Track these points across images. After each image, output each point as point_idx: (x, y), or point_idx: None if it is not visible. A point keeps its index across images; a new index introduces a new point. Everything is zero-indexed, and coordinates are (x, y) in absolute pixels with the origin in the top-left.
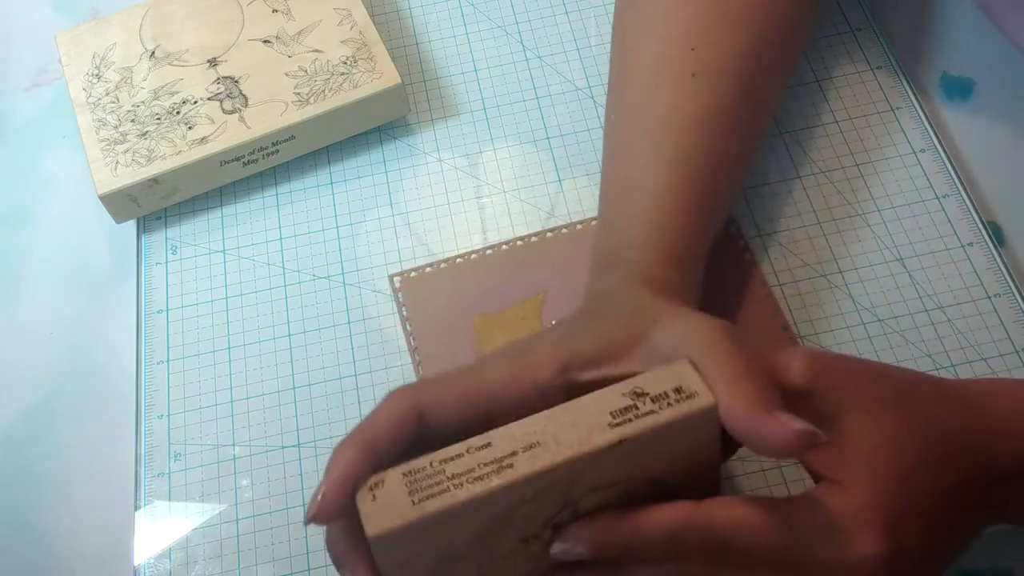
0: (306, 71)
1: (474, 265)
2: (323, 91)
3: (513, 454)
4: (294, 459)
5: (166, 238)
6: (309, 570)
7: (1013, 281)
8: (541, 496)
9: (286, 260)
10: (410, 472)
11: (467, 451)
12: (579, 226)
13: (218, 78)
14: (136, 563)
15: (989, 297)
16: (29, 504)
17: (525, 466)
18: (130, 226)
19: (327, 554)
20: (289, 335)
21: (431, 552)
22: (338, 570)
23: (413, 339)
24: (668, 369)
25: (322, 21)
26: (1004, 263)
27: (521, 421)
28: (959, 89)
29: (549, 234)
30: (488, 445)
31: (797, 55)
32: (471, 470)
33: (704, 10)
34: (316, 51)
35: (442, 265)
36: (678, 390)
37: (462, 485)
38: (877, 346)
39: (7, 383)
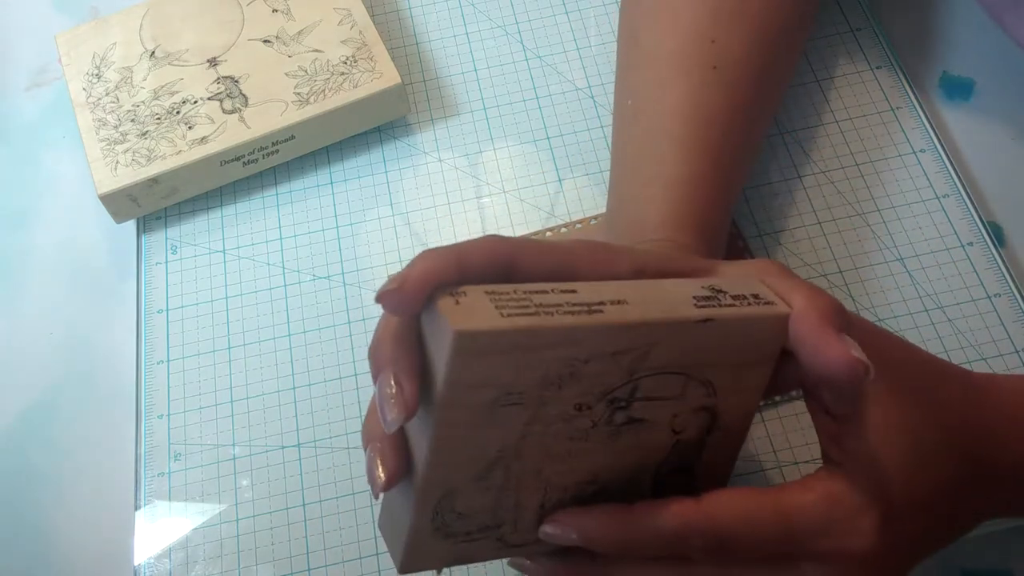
0: (306, 71)
1: None
2: (323, 91)
3: (602, 303)
4: (294, 459)
5: (166, 238)
6: (309, 570)
7: (1013, 281)
8: (616, 356)
9: (286, 260)
10: (494, 292)
11: (552, 290)
12: (579, 225)
13: (218, 78)
14: (136, 563)
15: (989, 297)
16: (29, 504)
17: (617, 315)
18: (130, 226)
19: (364, 454)
20: (289, 335)
21: (497, 381)
22: (378, 375)
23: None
24: (744, 280)
25: (322, 21)
26: (1004, 263)
27: (601, 283)
28: (959, 89)
29: (549, 233)
30: (574, 291)
31: (801, 48)
32: (559, 305)
33: (721, 1)
34: (316, 51)
35: None
36: (756, 296)
37: (552, 314)
38: None
39: (7, 383)
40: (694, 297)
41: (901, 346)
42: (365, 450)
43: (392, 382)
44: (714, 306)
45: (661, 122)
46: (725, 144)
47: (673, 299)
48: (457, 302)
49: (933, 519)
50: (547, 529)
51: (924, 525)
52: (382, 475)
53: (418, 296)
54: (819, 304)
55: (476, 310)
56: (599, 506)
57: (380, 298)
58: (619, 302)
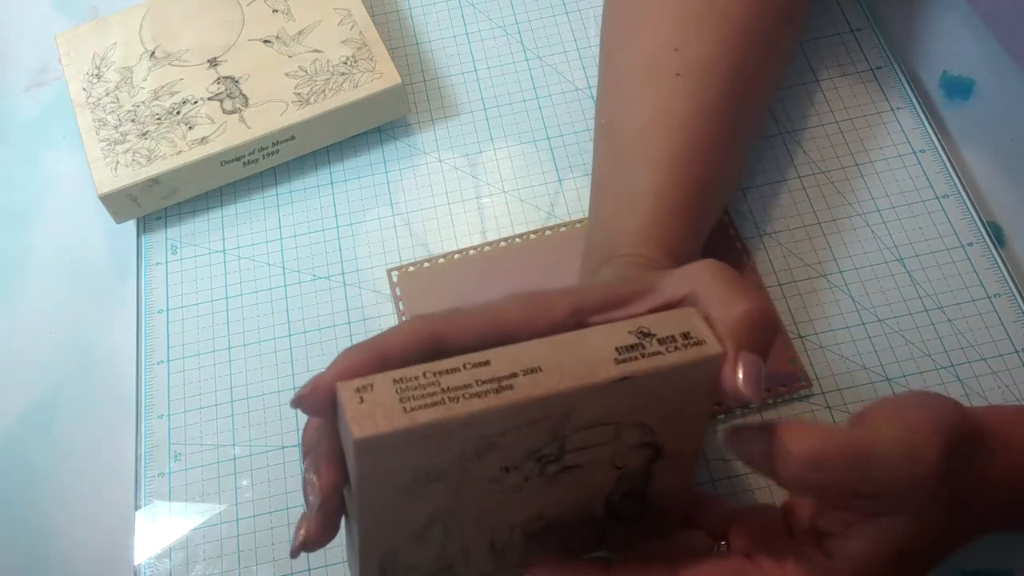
0: (306, 71)
1: (472, 262)
2: (323, 91)
3: (513, 375)
4: (294, 459)
5: (166, 238)
6: (309, 570)
7: (1013, 281)
8: (534, 424)
9: (286, 260)
10: (401, 379)
11: (464, 366)
12: (578, 225)
13: (218, 78)
14: (136, 563)
15: (989, 297)
16: (29, 504)
17: (525, 390)
18: (130, 226)
19: (313, 555)
20: (289, 335)
21: (410, 466)
22: (306, 465)
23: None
24: (676, 314)
25: (322, 21)
26: (1004, 263)
27: (522, 344)
28: (959, 89)
29: (548, 232)
30: (487, 363)
31: (787, 50)
32: (467, 386)
33: (686, 9)
34: (316, 51)
35: (440, 261)
36: (686, 335)
37: (457, 400)
38: (877, 346)
39: (7, 383)
40: (617, 348)
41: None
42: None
43: (311, 470)
44: (636, 358)
45: (628, 137)
46: (692, 152)
47: (592, 357)
48: (361, 399)
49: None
50: None
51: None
52: (300, 538)
53: (329, 399)
54: (740, 334)
55: (379, 408)
56: (581, 565)
57: (296, 403)
58: (532, 370)
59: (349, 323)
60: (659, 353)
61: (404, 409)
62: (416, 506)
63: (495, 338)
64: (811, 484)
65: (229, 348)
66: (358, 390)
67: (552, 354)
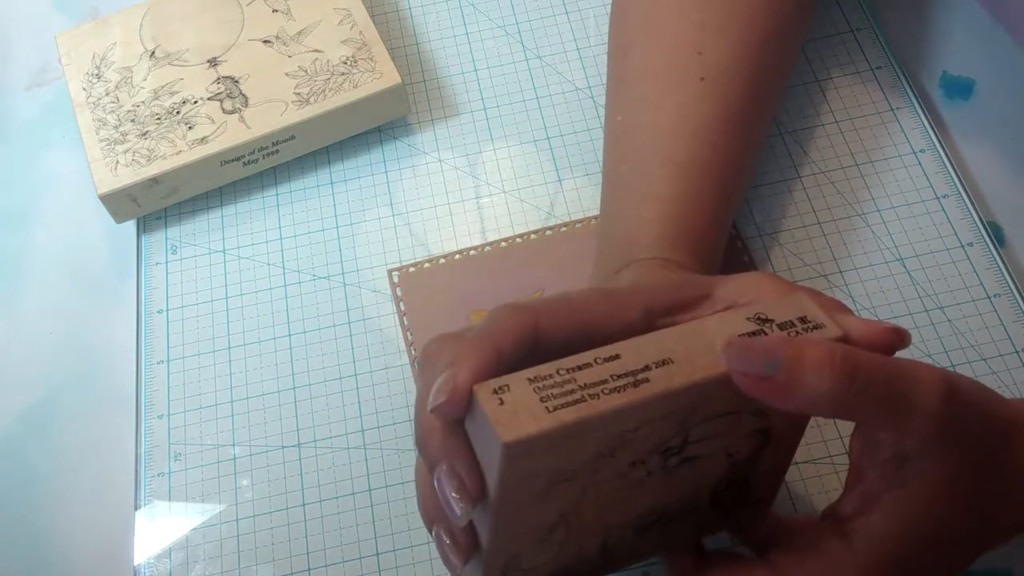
0: (306, 71)
1: (472, 262)
2: (323, 91)
3: (646, 368)
4: (294, 459)
5: (166, 238)
6: (309, 570)
7: (1013, 281)
8: (667, 417)
9: (286, 260)
10: (537, 378)
11: (595, 361)
12: (578, 225)
13: (218, 78)
14: (136, 563)
15: (989, 297)
16: (29, 504)
17: (662, 382)
18: (130, 226)
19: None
20: (289, 335)
21: (550, 467)
22: (431, 466)
23: (410, 334)
24: (787, 300)
25: (322, 21)
26: (1004, 263)
27: (642, 337)
28: (959, 89)
29: (548, 232)
30: (617, 357)
31: (796, 55)
32: (604, 381)
33: (708, 13)
34: (316, 51)
35: (440, 261)
36: (803, 319)
37: (598, 396)
38: None
39: (7, 383)
40: (740, 336)
41: (979, 416)
42: (430, 531)
43: (454, 479)
44: None
45: (651, 139)
46: (716, 157)
47: (716, 347)
48: (501, 401)
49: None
50: None
51: None
52: (458, 559)
53: (466, 402)
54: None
55: (521, 409)
56: None
57: (435, 411)
58: (664, 362)
59: (349, 323)
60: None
61: (547, 409)
62: (546, 508)
63: (585, 331)
64: (824, 388)
65: (229, 348)
66: (495, 391)
67: (678, 345)
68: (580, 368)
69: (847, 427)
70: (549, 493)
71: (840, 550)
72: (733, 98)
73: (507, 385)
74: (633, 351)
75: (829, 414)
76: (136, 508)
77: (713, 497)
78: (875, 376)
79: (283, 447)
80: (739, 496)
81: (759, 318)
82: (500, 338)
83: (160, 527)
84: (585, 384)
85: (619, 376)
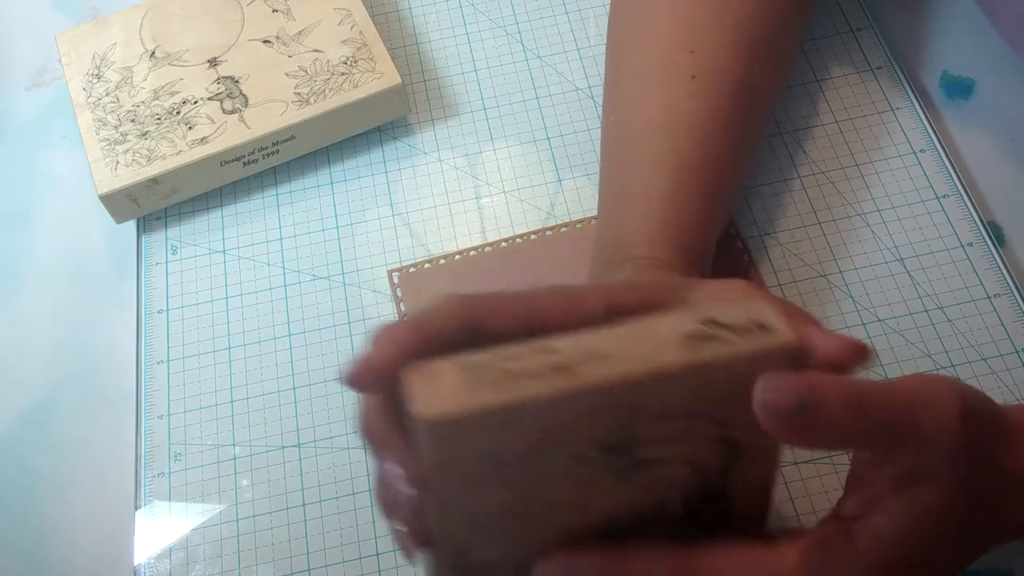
0: (306, 71)
1: (473, 262)
2: (323, 91)
3: (580, 362)
4: (294, 459)
5: (166, 238)
6: (309, 570)
7: (1013, 281)
8: (601, 412)
9: (286, 260)
10: (467, 364)
11: (529, 352)
12: (578, 225)
13: (218, 78)
14: (136, 563)
15: (989, 297)
16: (29, 504)
17: (592, 375)
18: (130, 226)
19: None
20: (289, 335)
21: (478, 453)
22: (375, 453)
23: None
24: (744, 303)
25: (322, 21)
26: (1004, 263)
27: (588, 332)
28: (959, 89)
29: (548, 232)
30: (552, 350)
31: (792, 55)
32: (535, 371)
33: (698, 12)
34: (316, 51)
35: (441, 261)
36: (760, 325)
37: (526, 385)
38: (877, 346)
39: (7, 383)
40: (686, 336)
41: (986, 427)
42: (388, 519)
43: (394, 463)
44: (708, 345)
45: (640, 136)
46: (706, 155)
47: (660, 344)
48: (427, 381)
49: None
50: (540, 571)
51: None
52: (411, 546)
53: (383, 377)
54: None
55: (446, 390)
56: (595, 548)
57: (347, 381)
58: (600, 357)
59: (349, 323)
60: (732, 341)
61: (472, 392)
62: (486, 497)
63: (531, 326)
64: (846, 427)
65: (229, 348)
66: (425, 375)
67: (619, 342)
68: (514, 358)
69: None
70: (486, 481)
71: (845, 547)
72: (725, 96)
73: (438, 368)
74: (573, 345)
75: (839, 448)
76: (136, 508)
77: (687, 511)
78: (883, 411)
79: (283, 447)
80: (720, 514)
81: (710, 321)
82: (432, 322)
83: (160, 527)
84: (516, 373)
85: (552, 368)
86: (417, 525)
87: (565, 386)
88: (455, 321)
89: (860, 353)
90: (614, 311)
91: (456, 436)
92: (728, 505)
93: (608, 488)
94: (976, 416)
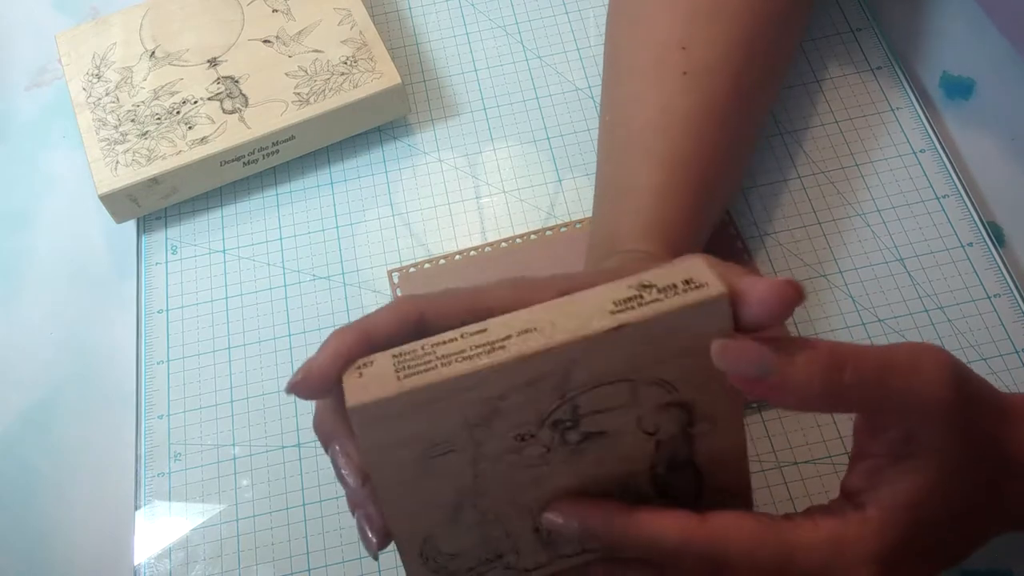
0: (306, 71)
1: (473, 262)
2: (323, 91)
3: (507, 338)
4: (294, 459)
5: (166, 238)
6: (309, 570)
7: (1013, 281)
8: (535, 384)
9: (286, 260)
10: (400, 354)
11: (461, 336)
12: (578, 225)
13: (218, 78)
14: (136, 563)
15: (989, 297)
16: (29, 504)
17: (516, 348)
18: (130, 226)
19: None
20: (289, 335)
21: (415, 437)
22: (325, 448)
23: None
24: (679, 263)
25: (322, 21)
26: (1004, 263)
27: (518, 312)
28: (959, 89)
29: (548, 232)
30: (483, 331)
31: (790, 52)
32: (462, 351)
33: (693, 9)
34: (316, 51)
35: (441, 261)
36: (687, 281)
37: (450, 364)
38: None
39: (7, 383)
40: (614, 302)
41: (985, 397)
42: (353, 514)
43: (341, 457)
44: (634, 307)
45: (633, 133)
46: (699, 150)
47: (587, 312)
48: (360, 374)
49: (934, 563)
50: (549, 516)
51: (924, 571)
52: (373, 538)
53: (325, 381)
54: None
55: (375, 379)
56: (605, 501)
57: (290, 389)
58: (527, 331)
59: (349, 323)
60: (657, 300)
61: (398, 378)
62: (434, 483)
63: (480, 318)
64: (816, 386)
65: (229, 348)
66: (359, 367)
67: (549, 315)
68: (445, 343)
69: (847, 427)
70: (429, 466)
71: (854, 518)
72: (718, 92)
73: (371, 361)
74: (501, 324)
75: (824, 410)
76: (136, 508)
77: (656, 484)
78: (863, 372)
79: (283, 447)
80: (692, 484)
81: (641, 284)
82: (373, 322)
83: (160, 527)
84: (442, 356)
85: (478, 347)
86: (379, 520)
87: (488, 361)
88: (399, 319)
89: (790, 292)
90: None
91: (384, 420)
92: (701, 478)
93: (562, 465)
94: (973, 391)
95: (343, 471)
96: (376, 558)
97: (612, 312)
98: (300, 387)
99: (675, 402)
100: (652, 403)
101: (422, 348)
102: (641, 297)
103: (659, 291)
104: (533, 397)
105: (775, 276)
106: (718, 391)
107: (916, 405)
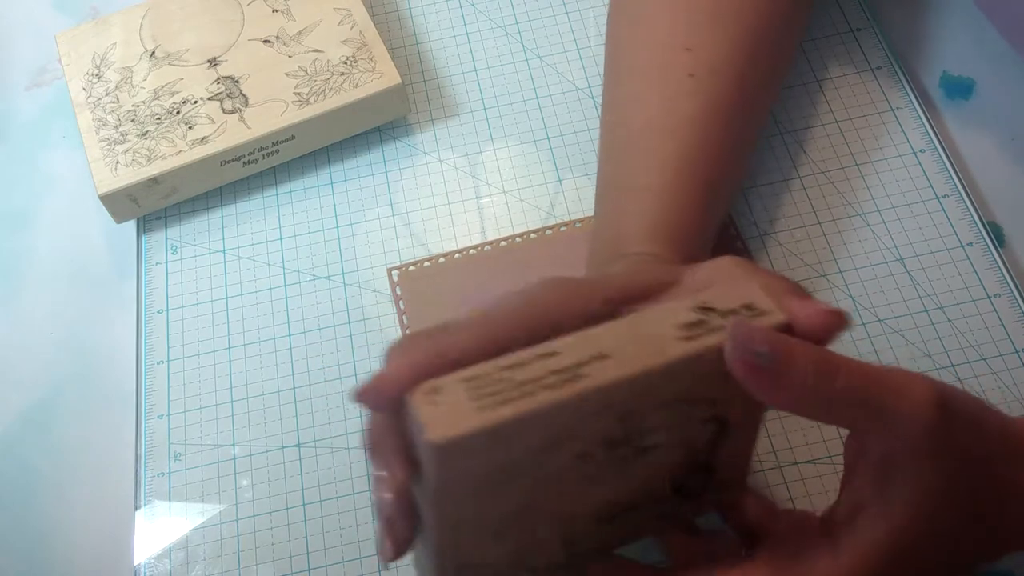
0: (306, 71)
1: (472, 261)
2: (323, 91)
3: (581, 364)
4: (294, 459)
5: (166, 238)
6: (309, 570)
7: (1013, 281)
8: (606, 411)
9: (286, 260)
10: (472, 378)
11: (532, 358)
12: (578, 225)
13: (218, 78)
14: (136, 563)
15: (989, 297)
16: (29, 504)
17: (597, 377)
18: (130, 226)
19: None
20: (289, 335)
21: (488, 466)
22: (375, 464)
23: (409, 333)
24: (734, 286)
25: (322, 21)
26: (1004, 263)
27: (584, 331)
28: (959, 89)
29: (548, 232)
30: (554, 354)
31: (791, 53)
32: (539, 378)
33: (696, 10)
34: (316, 51)
35: (440, 260)
36: (747, 307)
37: (532, 393)
38: (877, 346)
39: (7, 383)
40: (678, 326)
41: (973, 426)
42: (377, 522)
43: (382, 467)
44: (701, 333)
45: (637, 134)
46: (704, 151)
47: (657, 338)
48: (434, 402)
49: None
50: None
51: None
52: (390, 547)
53: (394, 395)
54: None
55: (452, 409)
56: (631, 567)
57: (358, 396)
58: (601, 357)
59: (349, 323)
60: (723, 328)
61: (478, 408)
62: (493, 505)
63: (541, 328)
64: (819, 394)
65: (229, 348)
66: (428, 392)
67: (617, 339)
68: (516, 366)
69: (826, 423)
70: (493, 490)
71: (825, 561)
72: (722, 93)
73: (441, 386)
74: (571, 347)
75: (813, 416)
76: (136, 508)
77: (675, 485)
78: (854, 382)
79: (283, 447)
80: (703, 483)
81: (702, 307)
82: (449, 344)
83: (160, 527)
84: (521, 382)
85: (555, 372)
86: (403, 529)
87: (571, 392)
88: (474, 344)
89: (834, 318)
90: (611, 302)
91: (464, 454)
92: (711, 475)
93: (607, 478)
94: (959, 414)
95: (381, 484)
96: (387, 567)
97: (680, 338)
98: (369, 396)
99: (714, 416)
100: (696, 418)
101: (494, 372)
102: (706, 322)
103: (721, 316)
104: (602, 421)
105: (818, 301)
106: (748, 403)
107: (897, 426)
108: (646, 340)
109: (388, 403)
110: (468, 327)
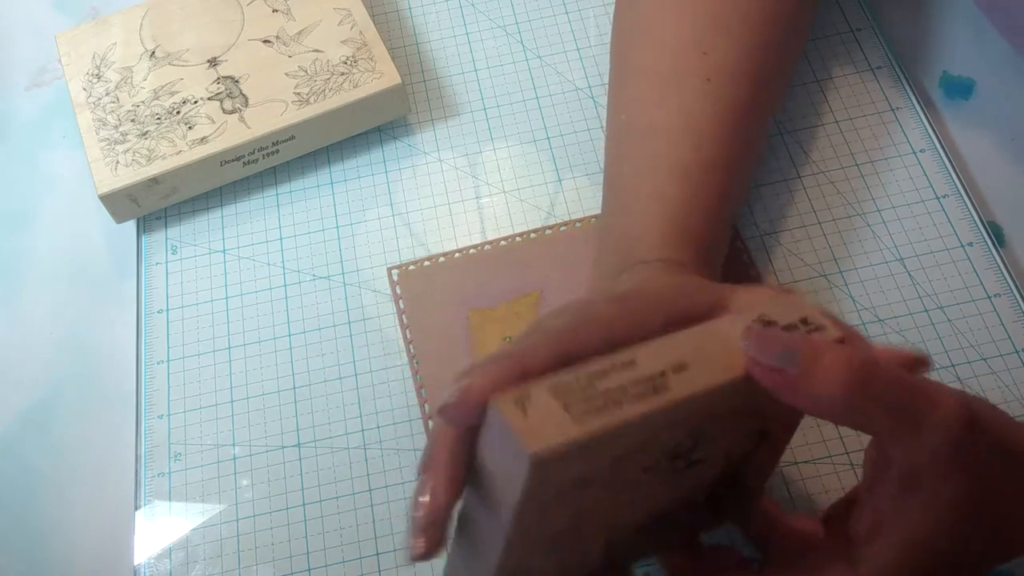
0: (306, 71)
1: (472, 261)
2: (323, 91)
3: (663, 374)
4: (294, 459)
5: (166, 238)
6: (309, 570)
7: (1013, 281)
8: (684, 421)
9: (286, 260)
10: (557, 387)
11: (612, 367)
12: (578, 224)
13: (218, 78)
14: (136, 563)
15: (989, 297)
16: (29, 504)
17: (683, 387)
18: (130, 226)
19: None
20: (289, 335)
21: (571, 475)
22: (428, 474)
23: (409, 332)
24: (788, 301)
25: (322, 21)
26: (1004, 263)
27: (656, 340)
28: (959, 89)
29: (548, 232)
30: (633, 363)
31: (797, 55)
32: (623, 388)
33: (708, 14)
34: (316, 51)
35: (440, 259)
36: (805, 321)
37: (622, 404)
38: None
39: (7, 383)
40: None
41: (998, 442)
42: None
43: (425, 491)
44: None
45: (654, 138)
46: (720, 157)
47: (730, 349)
48: (524, 411)
49: None
50: None
51: None
52: (421, 548)
53: (479, 409)
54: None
55: (545, 418)
56: None
57: (442, 412)
58: (680, 367)
59: (349, 323)
60: None
61: (572, 418)
62: (559, 515)
63: (607, 345)
64: (855, 397)
65: (229, 348)
66: (516, 401)
67: (693, 349)
68: (600, 375)
69: (847, 427)
70: (564, 501)
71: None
72: (738, 99)
73: (528, 395)
74: (648, 356)
75: (838, 419)
76: (136, 508)
77: (708, 495)
78: (890, 388)
79: (283, 447)
80: (732, 492)
81: (763, 321)
82: (530, 358)
83: (160, 527)
84: (607, 391)
85: (638, 382)
86: (435, 537)
87: (659, 402)
88: (550, 356)
89: (917, 363)
90: (670, 325)
91: (556, 464)
92: (741, 485)
93: (660, 488)
94: (984, 429)
95: (419, 507)
96: (412, 563)
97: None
98: (453, 411)
99: (758, 429)
100: (744, 430)
101: (577, 379)
102: None
103: (783, 329)
104: (676, 433)
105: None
106: (790, 415)
107: (926, 436)
108: (720, 351)
109: (471, 417)
110: (545, 344)
